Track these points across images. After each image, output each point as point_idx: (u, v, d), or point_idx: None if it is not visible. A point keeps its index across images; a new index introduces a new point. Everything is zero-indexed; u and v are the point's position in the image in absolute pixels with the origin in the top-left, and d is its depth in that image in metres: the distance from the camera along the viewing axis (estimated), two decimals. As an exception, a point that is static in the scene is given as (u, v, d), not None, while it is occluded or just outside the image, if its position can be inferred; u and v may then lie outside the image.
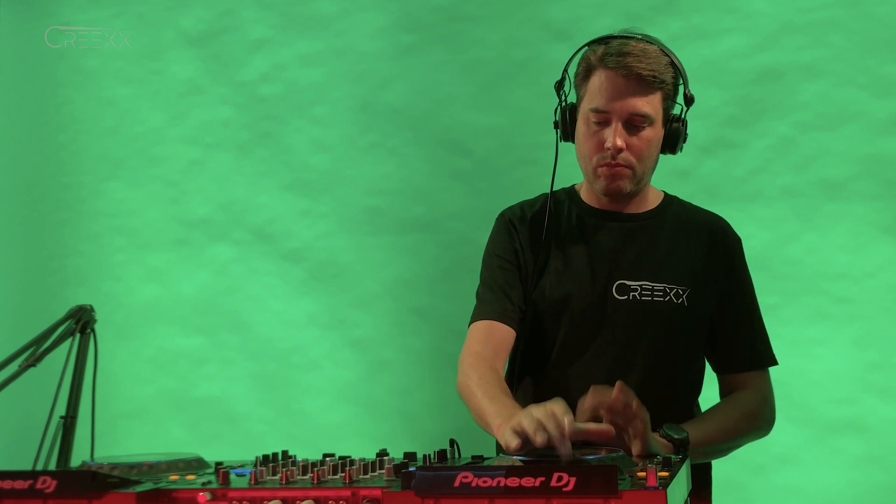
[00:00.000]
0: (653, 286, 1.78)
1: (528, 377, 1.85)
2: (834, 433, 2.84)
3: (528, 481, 1.09)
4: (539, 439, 1.32)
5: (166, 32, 3.74)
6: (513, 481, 1.10)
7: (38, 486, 1.24)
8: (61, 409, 1.90)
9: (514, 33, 3.30)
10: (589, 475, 1.08)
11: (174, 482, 1.36)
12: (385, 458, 1.47)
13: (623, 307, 1.77)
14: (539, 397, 1.70)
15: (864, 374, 2.84)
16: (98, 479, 1.25)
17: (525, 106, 3.22)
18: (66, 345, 1.90)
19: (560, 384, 1.76)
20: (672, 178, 3.07)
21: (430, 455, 1.50)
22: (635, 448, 1.52)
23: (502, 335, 1.79)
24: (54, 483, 1.24)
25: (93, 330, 1.96)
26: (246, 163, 3.60)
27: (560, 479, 1.08)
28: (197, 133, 3.67)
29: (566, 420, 1.33)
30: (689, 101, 1.81)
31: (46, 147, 3.89)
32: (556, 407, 1.36)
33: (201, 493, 1.27)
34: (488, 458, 1.51)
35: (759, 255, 2.98)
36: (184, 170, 3.67)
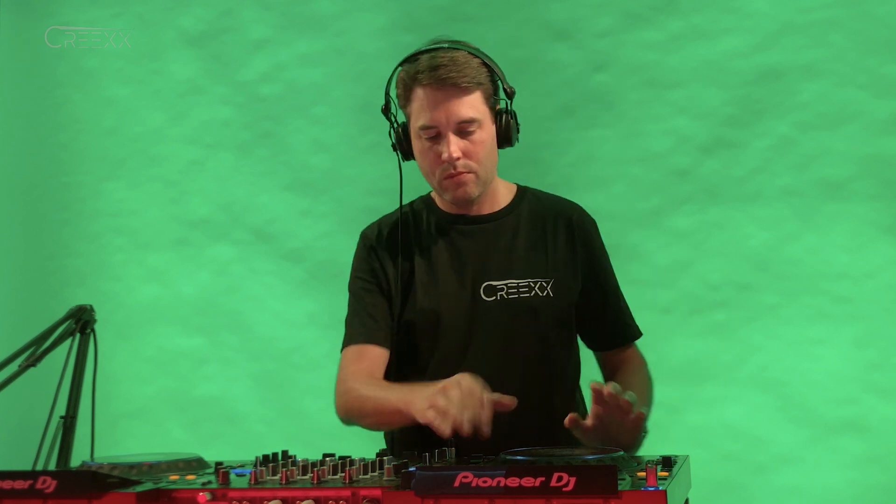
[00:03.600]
0: (518, 283, 1.82)
1: None
2: (834, 433, 2.84)
3: (528, 481, 1.09)
4: (466, 428, 1.43)
5: (166, 32, 3.73)
6: (513, 481, 1.10)
7: (38, 486, 1.24)
8: (61, 409, 1.90)
9: (514, 33, 3.30)
10: (589, 475, 1.08)
11: (174, 482, 1.36)
12: (385, 458, 1.47)
13: (493, 308, 1.81)
14: None
15: (864, 374, 2.84)
16: (98, 479, 1.25)
17: (525, 106, 3.19)
18: (66, 345, 1.90)
19: None
20: (672, 177, 3.08)
21: (430, 455, 1.50)
22: (627, 440, 1.56)
23: (374, 356, 1.84)
24: (54, 483, 1.24)
25: (93, 330, 1.96)
26: (246, 163, 3.60)
27: (560, 479, 1.08)
28: (197, 133, 3.67)
29: (485, 398, 1.47)
30: (510, 94, 1.84)
31: (46, 147, 3.89)
32: (469, 384, 1.48)
33: (201, 493, 1.27)
34: (488, 459, 1.51)
35: (759, 255, 2.99)
36: (184, 170, 3.67)
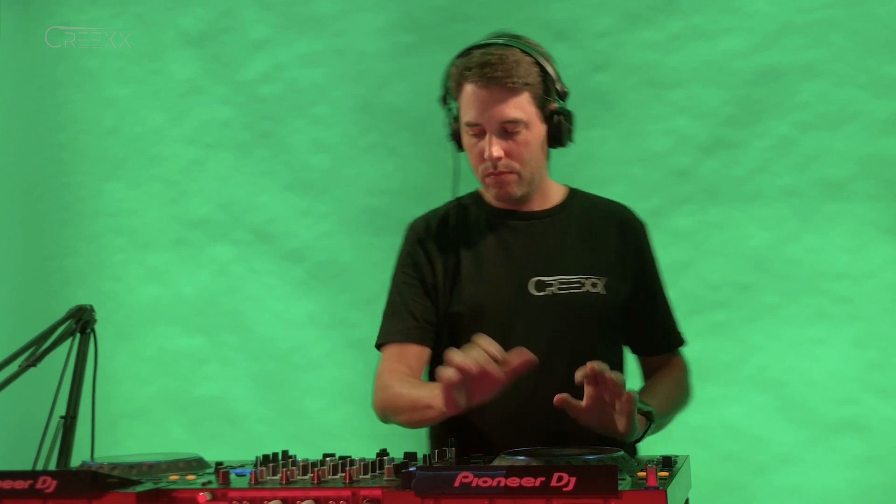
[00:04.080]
0: (569, 279, 1.81)
1: None
2: (834, 433, 2.84)
3: (528, 481, 1.09)
4: (473, 364, 1.37)
5: (166, 32, 3.73)
6: (513, 481, 1.10)
7: (38, 486, 1.24)
8: (61, 409, 1.89)
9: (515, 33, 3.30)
10: (589, 475, 1.08)
11: (174, 482, 1.36)
12: (385, 458, 1.47)
13: (542, 303, 1.80)
14: None
15: (864, 374, 2.84)
16: (98, 479, 1.25)
17: (525, 106, 3.22)
18: (66, 345, 1.90)
19: None
20: (672, 177, 3.08)
21: (430, 455, 1.50)
22: (620, 423, 1.53)
23: (413, 354, 1.83)
24: (54, 483, 1.24)
25: (93, 330, 1.96)
26: (246, 163, 3.60)
27: (560, 479, 1.08)
28: (197, 133, 3.67)
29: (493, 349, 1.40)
30: (561, 95, 1.83)
31: (46, 147, 3.89)
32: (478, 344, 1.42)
33: (201, 493, 1.27)
34: (489, 458, 1.51)
35: (759, 255, 2.99)
36: (184, 170, 3.67)
